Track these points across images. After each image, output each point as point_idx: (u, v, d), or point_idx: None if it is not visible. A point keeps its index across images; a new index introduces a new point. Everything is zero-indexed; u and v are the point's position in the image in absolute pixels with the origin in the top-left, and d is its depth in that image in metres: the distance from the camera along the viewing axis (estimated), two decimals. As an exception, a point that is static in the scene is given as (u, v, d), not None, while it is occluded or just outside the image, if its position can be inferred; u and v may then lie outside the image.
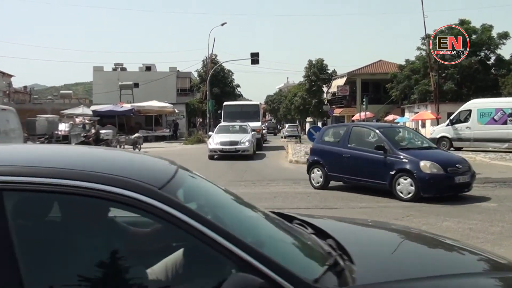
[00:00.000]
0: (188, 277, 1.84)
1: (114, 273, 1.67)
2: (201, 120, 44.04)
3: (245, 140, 18.70)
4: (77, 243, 1.74)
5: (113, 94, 42.82)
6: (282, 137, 48.34)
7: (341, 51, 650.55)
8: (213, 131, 22.10)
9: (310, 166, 10.75)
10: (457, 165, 8.92)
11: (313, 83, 50.84)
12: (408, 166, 8.78)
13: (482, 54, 35.33)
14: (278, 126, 77.83)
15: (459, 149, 20.03)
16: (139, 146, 23.40)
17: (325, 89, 52.92)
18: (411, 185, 8.67)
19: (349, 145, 9.99)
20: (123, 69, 56.92)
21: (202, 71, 49.63)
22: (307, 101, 51.53)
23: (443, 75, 34.06)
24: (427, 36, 31.74)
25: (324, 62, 51.60)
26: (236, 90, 53.36)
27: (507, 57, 35.65)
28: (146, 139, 29.45)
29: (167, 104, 36.15)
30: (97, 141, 21.00)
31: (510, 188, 10.25)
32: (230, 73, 52.81)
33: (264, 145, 26.49)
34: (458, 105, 24.08)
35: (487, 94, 30.17)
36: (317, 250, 2.04)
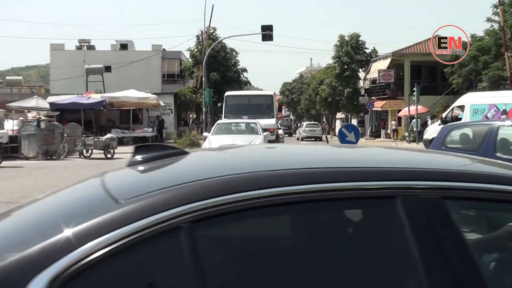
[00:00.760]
0: None
1: None
2: (194, 116, 44.25)
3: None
4: None
5: (77, 80, 43.23)
6: (298, 139, 48.32)
7: (384, 23, 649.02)
8: (210, 131, 22.13)
9: None
10: None
11: (345, 67, 50.68)
12: None
13: None
14: (297, 124, 77.91)
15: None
16: (112, 151, 23.45)
17: (361, 74, 52.86)
18: None
19: (496, 154, 9.16)
20: (91, 47, 57.46)
21: (196, 50, 49.80)
22: (338, 90, 51.39)
23: (523, 56, 33.86)
24: (501, 3, 31.58)
25: (361, 38, 51.60)
26: (241, 76, 53.42)
27: None
28: (122, 142, 29.59)
29: (149, 95, 36.17)
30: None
31: None
32: (234, 53, 52.87)
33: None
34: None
35: None
36: None
